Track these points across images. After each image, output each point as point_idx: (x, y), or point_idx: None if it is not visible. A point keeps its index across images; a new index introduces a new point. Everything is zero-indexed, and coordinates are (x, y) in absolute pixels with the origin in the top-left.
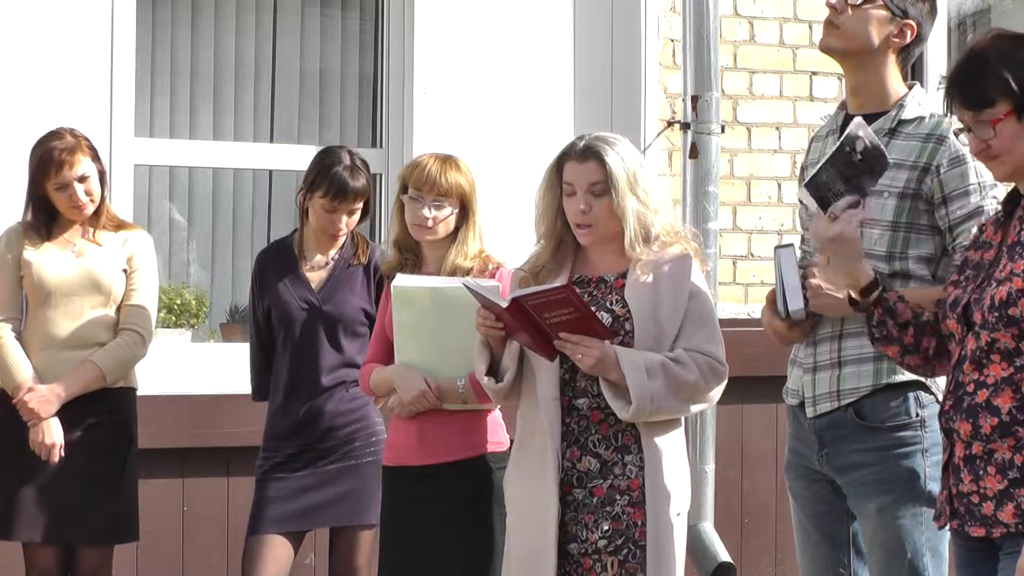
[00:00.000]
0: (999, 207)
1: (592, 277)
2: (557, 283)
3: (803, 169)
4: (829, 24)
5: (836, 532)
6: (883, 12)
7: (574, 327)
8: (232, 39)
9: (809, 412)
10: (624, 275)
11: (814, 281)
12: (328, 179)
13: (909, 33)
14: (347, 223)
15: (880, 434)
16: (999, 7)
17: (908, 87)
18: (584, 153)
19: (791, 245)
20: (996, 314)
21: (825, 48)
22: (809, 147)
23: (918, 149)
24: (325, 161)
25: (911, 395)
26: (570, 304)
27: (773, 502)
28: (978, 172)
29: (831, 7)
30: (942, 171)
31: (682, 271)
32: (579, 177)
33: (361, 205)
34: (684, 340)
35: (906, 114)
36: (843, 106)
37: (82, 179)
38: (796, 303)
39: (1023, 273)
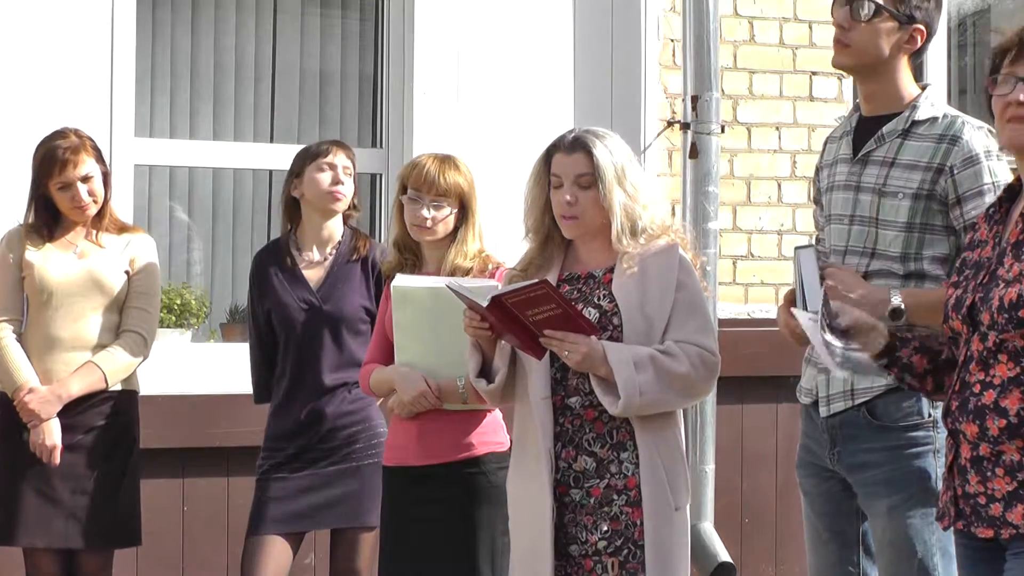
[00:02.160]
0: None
1: (581, 273)
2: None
3: (817, 171)
4: (839, 42)
5: (846, 530)
6: (891, 23)
7: (558, 323)
8: (232, 39)
9: (823, 411)
10: (612, 270)
11: (830, 283)
12: (311, 149)
13: (919, 37)
14: (348, 182)
15: (892, 433)
16: (999, 7)
17: (921, 88)
18: (572, 145)
19: (811, 246)
20: (1006, 316)
21: (838, 65)
22: (824, 148)
23: (932, 150)
24: (303, 148)
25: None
26: (550, 300)
27: (773, 502)
28: (992, 172)
29: (838, 26)
30: (956, 171)
31: (669, 262)
32: (566, 168)
33: (352, 169)
34: (674, 332)
35: (919, 115)
36: (857, 108)
37: (85, 179)
38: (815, 304)
39: None
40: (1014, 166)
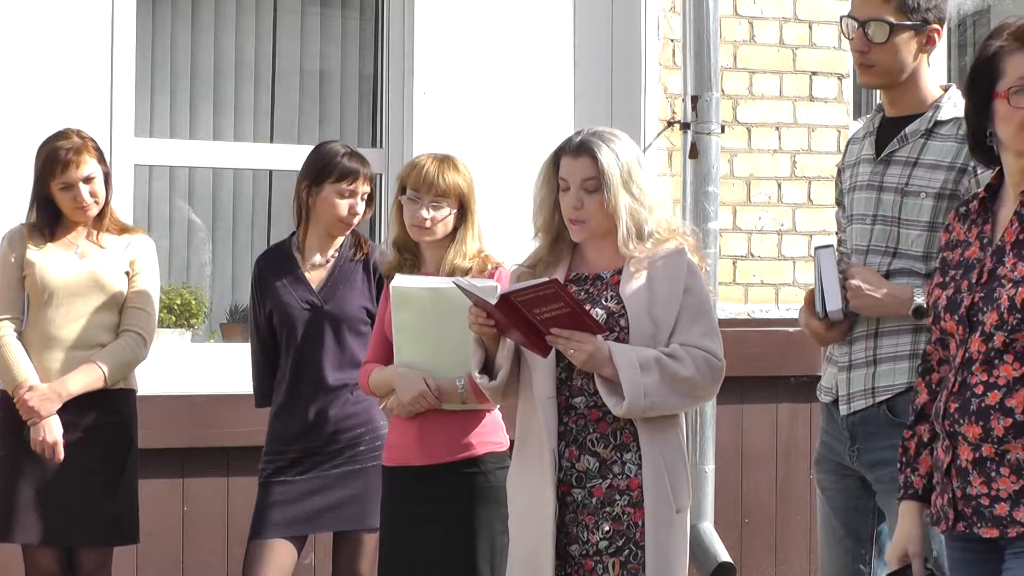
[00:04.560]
0: (975, 201)
1: (589, 275)
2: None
3: (840, 172)
4: (862, 65)
5: (860, 529)
6: (907, 33)
7: (565, 322)
8: (232, 39)
9: (843, 410)
10: (620, 271)
11: (854, 282)
12: (336, 166)
13: (937, 36)
14: (362, 208)
15: None
16: (999, 7)
17: (943, 88)
18: (578, 149)
19: (831, 246)
20: (1018, 316)
21: (866, 86)
22: (846, 149)
23: (955, 150)
24: (323, 152)
25: None
26: (559, 299)
27: (773, 502)
28: None
29: (858, 51)
30: (979, 171)
31: (677, 266)
32: (572, 173)
33: (369, 189)
34: (680, 335)
35: (942, 115)
36: (879, 109)
37: (87, 180)
38: (834, 303)
39: None
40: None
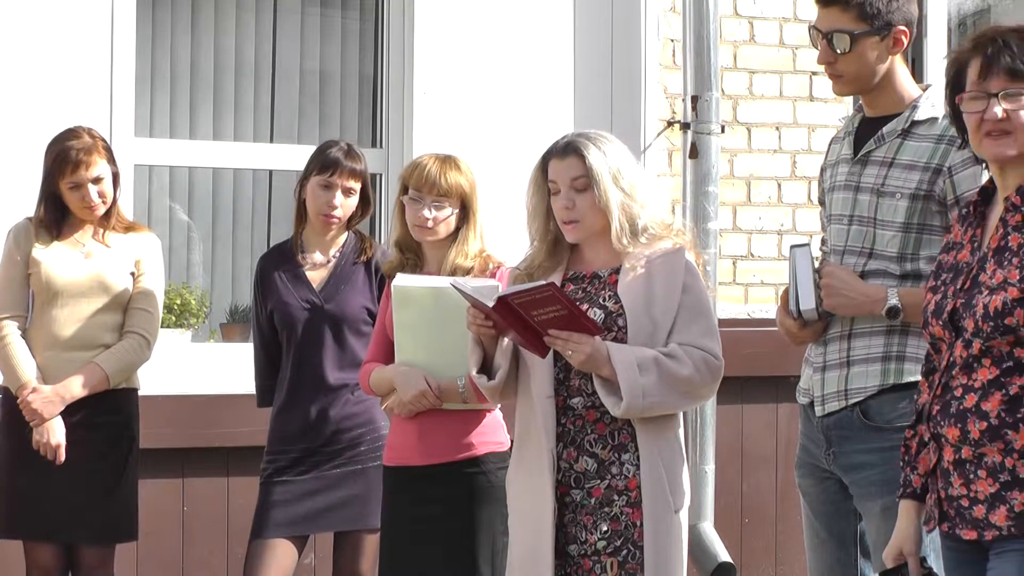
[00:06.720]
0: (969, 205)
1: (586, 273)
2: (551, 280)
3: (822, 171)
4: (832, 75)
5: (843, 531)
6: (871, 39)
7: (563, 324)
8: (232, 39)
9: (818, 411)
10: (618, 270)
11: (828, 280)
12: (323, 157)
13: (904, 38)
14: (343, 204)
15: (886, 434)
16: (999, 7)
17: (922, 88)
18: (564, 150)
19: (807, 245)
20: (991, 324)
21: (840, 94)
22: (828, 149)
23: (931, 150)
24: (320, 148)
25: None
26: (556, 302)
27: (773, 502)
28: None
29: (824, 63)
30: (955, 172)
31: (675, 265)
32: (561, 174)
33: (357, 188)
34: (679, 335)
35: (919, 115)
36: (859, 109)
37: (96, 180)
38: (807, 303)
39: (1017, 283)
40: None
